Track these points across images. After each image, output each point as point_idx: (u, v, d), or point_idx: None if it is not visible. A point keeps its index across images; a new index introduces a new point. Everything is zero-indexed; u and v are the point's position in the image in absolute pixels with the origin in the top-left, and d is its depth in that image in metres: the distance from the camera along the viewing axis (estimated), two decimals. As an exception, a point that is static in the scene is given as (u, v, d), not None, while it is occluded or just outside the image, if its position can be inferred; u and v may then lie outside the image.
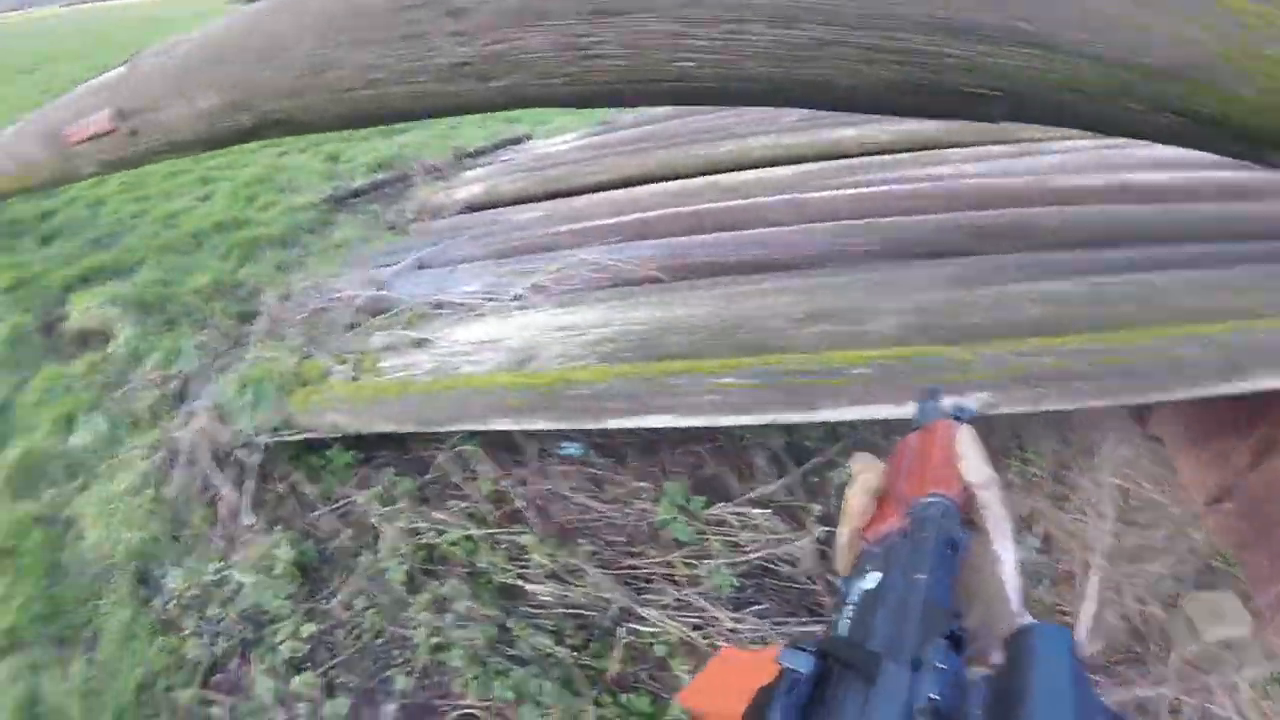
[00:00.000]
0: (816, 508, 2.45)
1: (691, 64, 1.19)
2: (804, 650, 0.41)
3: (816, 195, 3.35)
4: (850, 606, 0.46)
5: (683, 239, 3.18)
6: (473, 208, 4.48)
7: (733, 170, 3.99)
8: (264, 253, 4.26)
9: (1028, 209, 2.92)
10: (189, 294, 3.76)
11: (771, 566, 2.35)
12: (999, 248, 2.60)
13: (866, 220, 2.92)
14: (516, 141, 6.05)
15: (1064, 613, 2.30)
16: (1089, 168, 3.33)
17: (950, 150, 3.83)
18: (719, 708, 0.44)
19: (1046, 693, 0.36)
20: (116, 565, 2.46)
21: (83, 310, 3.50)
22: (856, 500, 0.56)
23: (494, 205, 4.43)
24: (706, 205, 3.49)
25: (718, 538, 2.40)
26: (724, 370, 1.99)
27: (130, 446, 2.82)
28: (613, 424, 2.12)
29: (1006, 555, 0.54)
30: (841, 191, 3.34)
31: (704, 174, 4.01)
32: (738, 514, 2.48)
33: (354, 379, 2.73)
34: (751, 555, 2.34)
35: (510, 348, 2.57)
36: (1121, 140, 3.13)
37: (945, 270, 2.32)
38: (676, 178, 4.06)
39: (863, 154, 4.08)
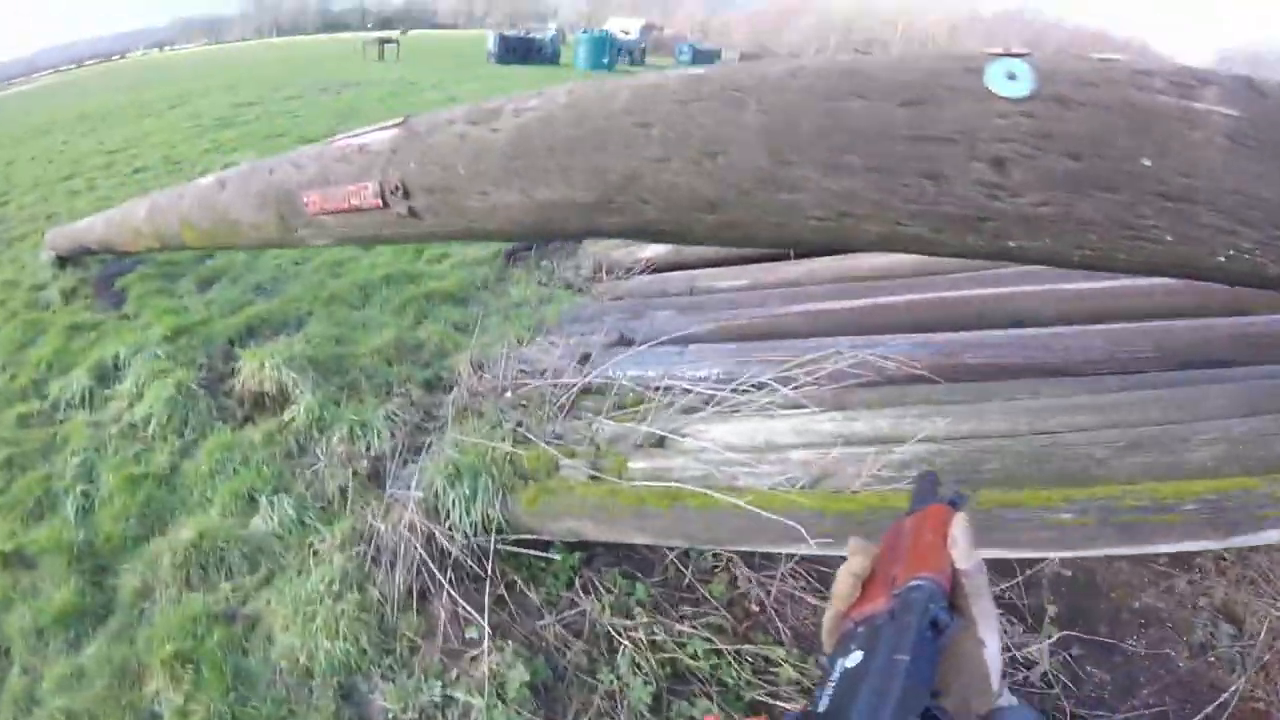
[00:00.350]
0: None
1: (1226, 259, 1.02)
2: None
3: (1074, 288, 2.93)
4: (831, 684, 0.47)
5: (949, 335, 2.72)
6: (657, 268, 4.10)
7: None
8: (439, 309, 3.94)
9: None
10: (367, 355, 3.42)
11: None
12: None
13: (1139, 325, 2.69)
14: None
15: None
16: None
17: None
18: None
19: None
20: (316, 678, 2.05)
21: (255, 368, 3.17)
22: (842, 582, 0.57)
23: (681, 266, 4.05)
24: (958, 293, 3.03)
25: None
26: (1057, 504, 1.86)
27: (322, 537, 2.40)
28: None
29: (991, 640, 0.55)
30: (1102, 284, 2.86)
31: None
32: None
33: (594, 478, 2.27)
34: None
35: (798, 461, 2.17)
36: None
37: (1244, 389, 2.14)
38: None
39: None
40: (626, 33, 23.35)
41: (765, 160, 0.97)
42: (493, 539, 2.27)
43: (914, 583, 0.52)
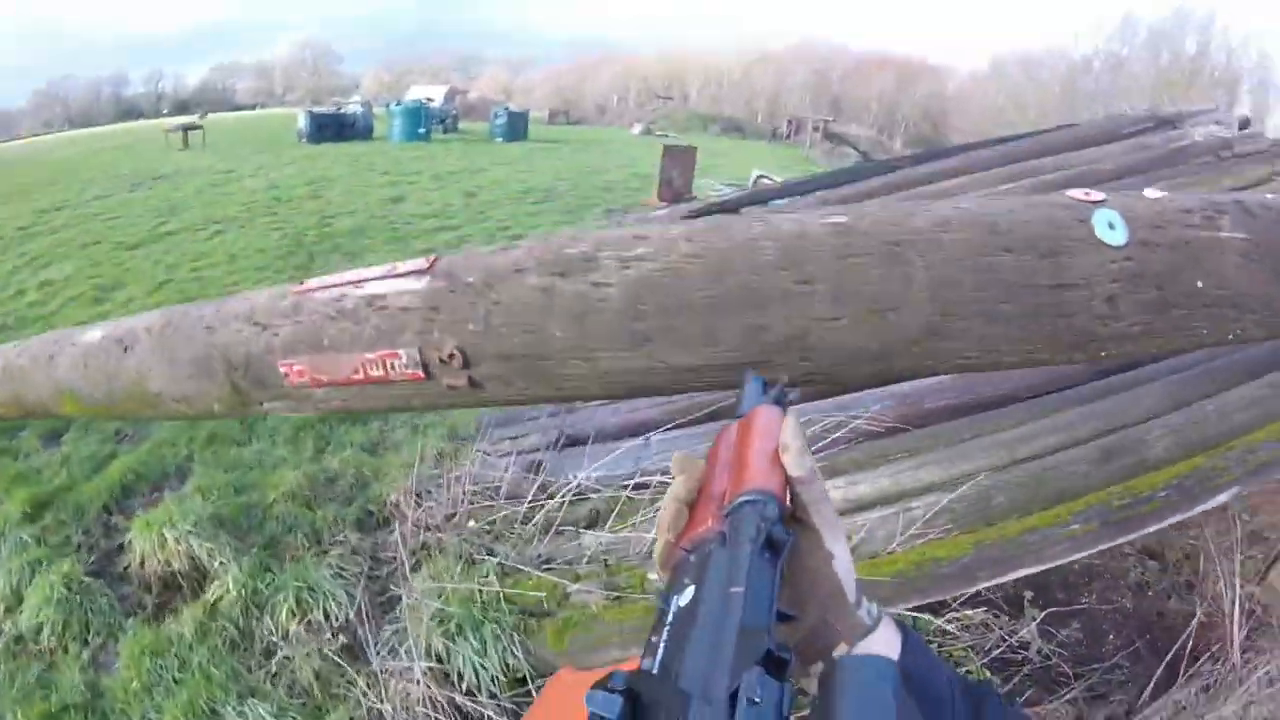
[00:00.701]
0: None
1: (1234, 336, 1.29)
2: (611, 690, 0.36)
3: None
4: (666, 629, 0.41)
5: (907, 386, 2.92)
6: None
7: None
8: (337, 431, 3.57)
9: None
10: (279, 500, 3.01)
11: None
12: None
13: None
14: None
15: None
16: None
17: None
18: None
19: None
20: None
21: (154, 543, 2.67)
22: (667, 509, 0.52)
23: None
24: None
25: None
26: (1065, 519, 2.21)
27: (319, 738, 2.05)
28: (982, 585, 2.26)
29: (838, 549, 0.51)
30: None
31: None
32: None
33: (617, 599, 2.14)
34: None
35: None
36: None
37: (1162, 386, 2.55)
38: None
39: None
40: (431, 100, 23.09)
41: (935, 315, 1.05)
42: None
43: (743, 498, 0.47)
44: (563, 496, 2.74)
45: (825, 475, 1.92)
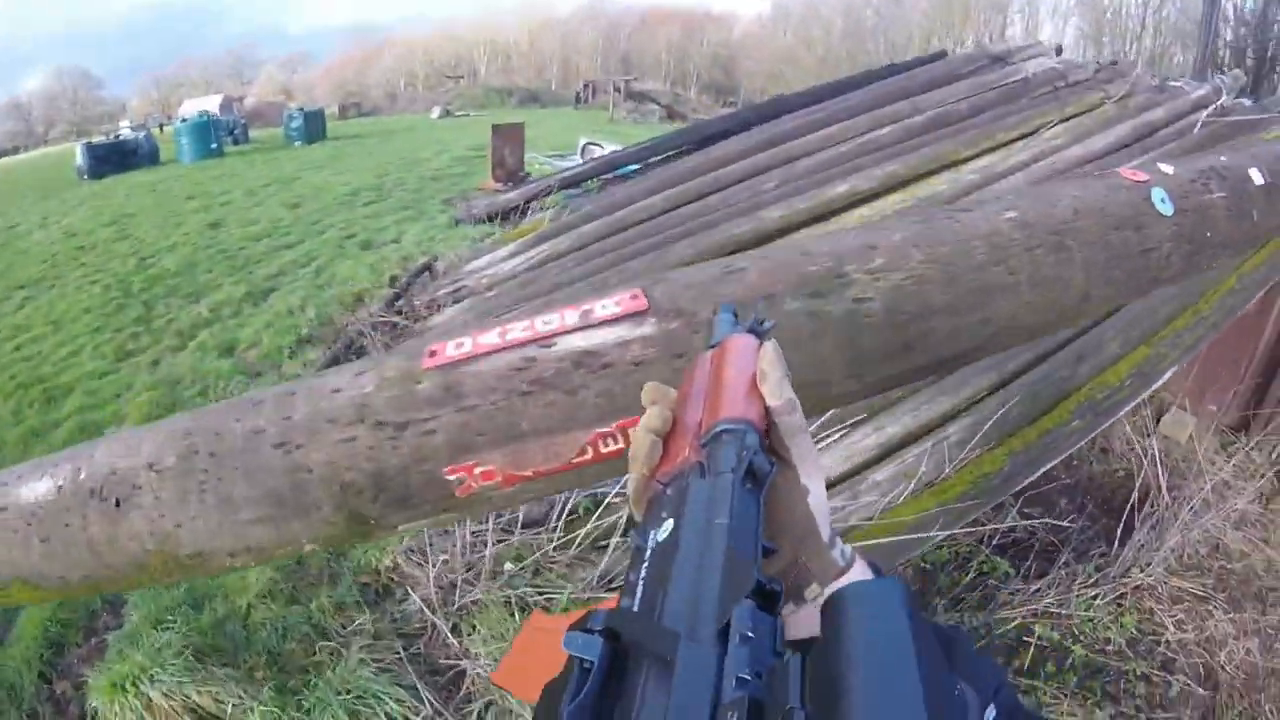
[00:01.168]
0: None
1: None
2: (592, 632, 0.34)
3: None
4: (644, 566, 0.39)
5: None
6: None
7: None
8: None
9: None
10: (258, 605, 2.59)
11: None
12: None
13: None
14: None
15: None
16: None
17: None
18: (527, 691, 0.35)
19: (878, 672, 0.29)
20: None
21: (132, 707, 2.19)
22: (640, 442, 0.48)
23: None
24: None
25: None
26: (1068, 417, 2.65)
27: None
28: (1019, 486, 2.62)
29: (814, 485, 0.48)
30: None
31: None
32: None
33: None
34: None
35: (886, 479, 2.45)
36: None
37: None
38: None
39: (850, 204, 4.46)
40: (208, 113, 20.64)
41: (1087, 288, 1.23)
42: None
43: (721, 427, 0.45)
44: (585, 510, 2.56)
45: (839, 423, 1.96)
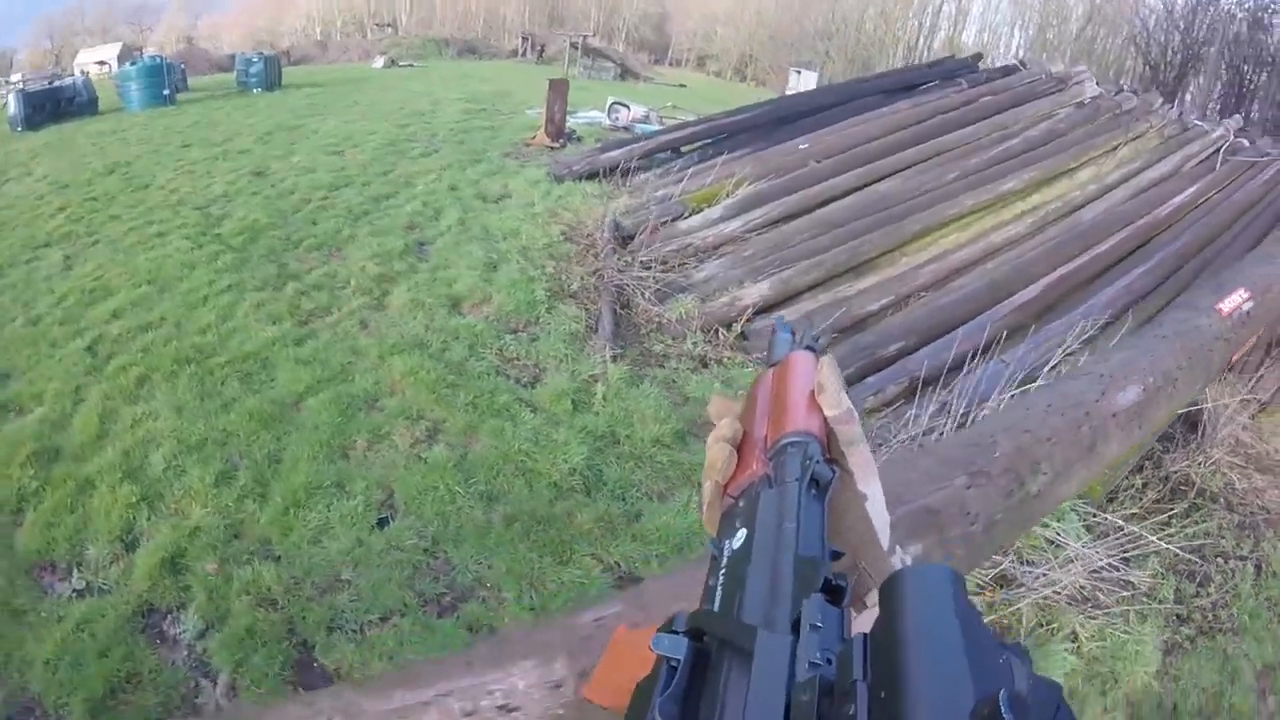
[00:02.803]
0: None
1: None
2: (676, 632, 0.37)
3: None
4: (722, 572, 0.42)
5: None
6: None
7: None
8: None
9: None
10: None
11: None
12: None
13: None
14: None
15: None
16: None
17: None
18: (618, 701, 0.39)
19: (929, 642, 0.31)
20: None
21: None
22: (716, 452, 0.50)
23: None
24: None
25: None
26: None
27: None
28: None
29: (873, 492, 0.50)
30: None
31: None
32: None
33: None
34: None
35: None
36: None
37: None
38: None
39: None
40: (104, 64, 17.99)
41: None
42: None
43: (786, 440, 0.48)
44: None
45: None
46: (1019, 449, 1.16)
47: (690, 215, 5.65)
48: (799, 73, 22.58)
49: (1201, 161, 6.61)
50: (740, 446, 0.51)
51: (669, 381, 3.93)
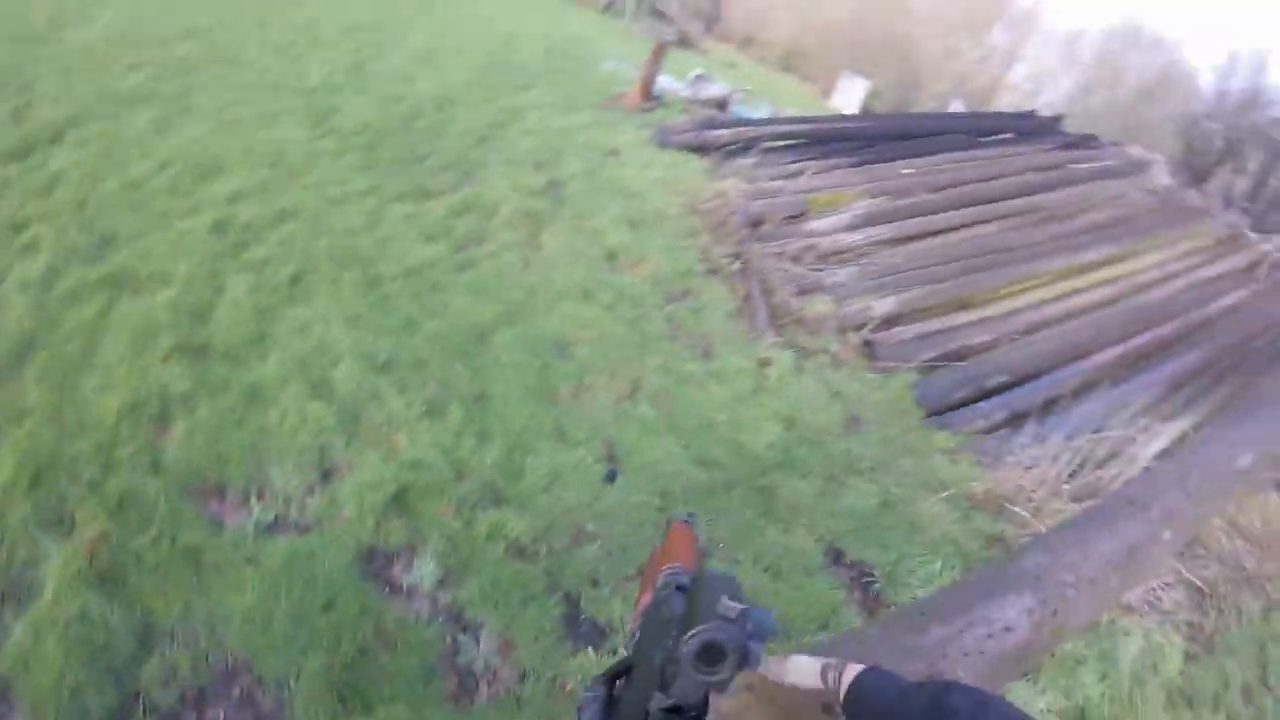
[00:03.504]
0: None
1: None
2: (591, 691, 0.77)
3: None
4: (634, 642, 0.81)
5: None
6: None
7: None
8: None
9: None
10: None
11: None
12: None
13: None
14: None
15: None
16: None
17: None
18: None
19: (704, 594, 0.69)
20: None
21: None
22: (640, 594, 0.90)
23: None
24: None
25: None
26: None
27: None
28: None
29: (783, 669, 0.84)
30: None
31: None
32: None
33: None
34: None
35: None
36: None
37: None
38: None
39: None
40: None
41: None
42: None
43: (666, 572, 0.84)
44: None
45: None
46: None
47: (817, 218, 5.83)
48: (851, 78, 22.62)
49: (1247, 268, 7.18)
50: (643, 583, 0.90)
51: (818, 373, 4.15)
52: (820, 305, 4.75)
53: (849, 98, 21.84)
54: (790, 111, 13.76)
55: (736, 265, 4.75)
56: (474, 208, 4.85)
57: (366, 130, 5.75)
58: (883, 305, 4.96)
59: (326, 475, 2.58)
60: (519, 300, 3.92)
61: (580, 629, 2.31)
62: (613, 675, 0.76)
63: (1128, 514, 2.48)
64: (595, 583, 2.46)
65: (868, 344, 4.78)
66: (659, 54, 9.11)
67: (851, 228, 5.69)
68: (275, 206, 4.32)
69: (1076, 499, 3.57)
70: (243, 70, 6.82)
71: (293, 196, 4.51)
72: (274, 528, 2.36)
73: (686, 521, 0.96)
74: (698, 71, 11.37)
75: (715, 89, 10.88)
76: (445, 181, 5.19)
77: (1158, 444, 4.41)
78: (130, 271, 3.36)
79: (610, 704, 0.74)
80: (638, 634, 0.79)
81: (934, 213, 6.21)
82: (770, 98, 13.84)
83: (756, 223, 5.52)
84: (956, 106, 19.40)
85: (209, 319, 3.19)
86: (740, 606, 0.66)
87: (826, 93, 22.91)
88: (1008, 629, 1.78)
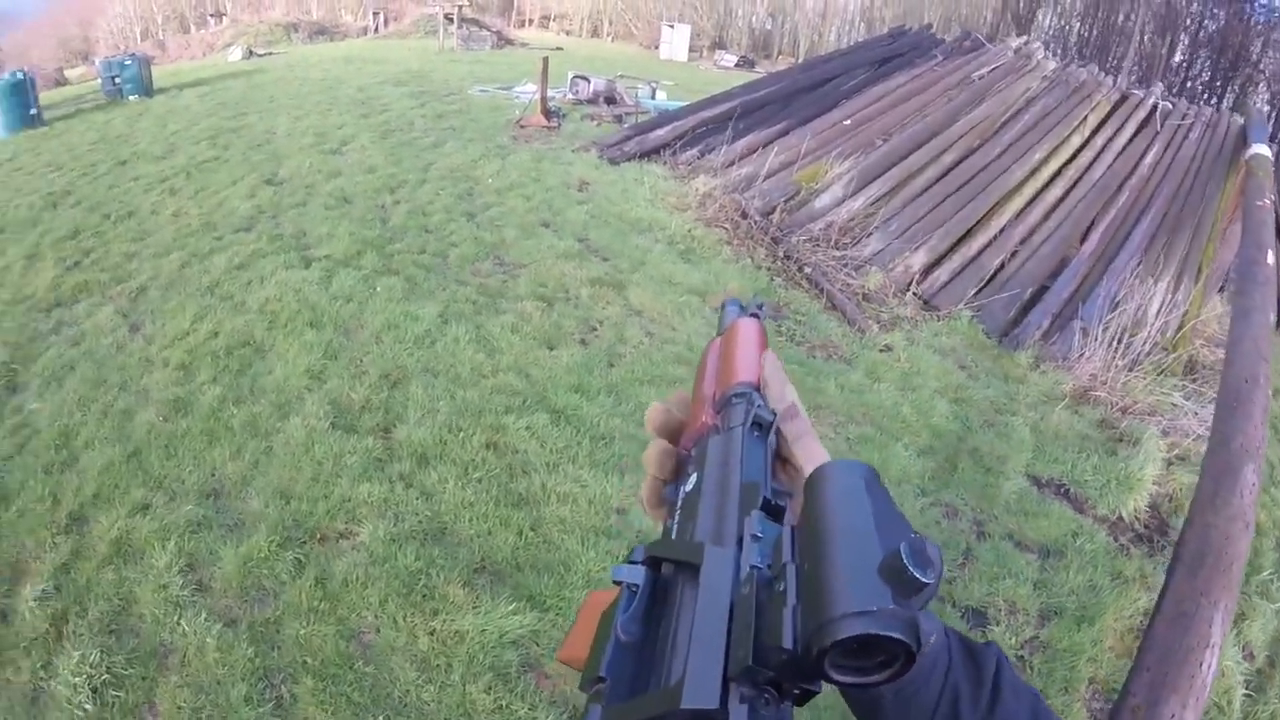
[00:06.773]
0: None
1: None
2: (635, 562, 0.42)
3: None
4: (678, 511, 0.47)
5: None
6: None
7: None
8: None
9: None
10: None
11: None
12: None
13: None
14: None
15: None
16: None
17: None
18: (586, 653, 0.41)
19: (842, 518, 0.35)
20: None
21: None
22: (650, 452, 0.55)
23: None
24: None
25: None
26: None
27: None
28: None
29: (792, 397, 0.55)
30: None
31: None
32: None
33: None
34: None
35: None
36: None
37: None
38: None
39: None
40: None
41: None
42: None
43: (731, 393, 0.54)
44: None
45: None
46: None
47: (814, 196, 6.06)
48: (672, 27, 23.23)
49: (1143, 123, 7.95)
50: (693, 407, 0.57)
51: (912, 341, 4.41)
52: (874, 278, 5.01)
53: (677, 46, 22.40)
54: (667, 81, 14.06)
55: (806, 270, 4.93)
56: (537, 295, 4.56)
57: (360, 250, 5.40)
58: (917, 258, 5.29)
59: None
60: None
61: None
62: (655, 564, 0.43)
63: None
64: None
65: (924, 300, 5.09)
66: (545, 70, 8.98)
67: (849, 195, 5.98)
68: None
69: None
70: (150, 221, 6.18)
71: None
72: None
73: (756, 314, 0.65)
74: (573, 73, 11.30)
75: (597, 84, 10.82)
76: (483, 275, 4.92)
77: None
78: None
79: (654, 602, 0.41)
80: (679, 501, 0.48)
81: (904, 158, 6.59)
82: (619, 69, 13.94)
83: (763, 215, 5.70)
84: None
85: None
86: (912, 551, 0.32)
87: (652, 47, 23.30)
88: None
